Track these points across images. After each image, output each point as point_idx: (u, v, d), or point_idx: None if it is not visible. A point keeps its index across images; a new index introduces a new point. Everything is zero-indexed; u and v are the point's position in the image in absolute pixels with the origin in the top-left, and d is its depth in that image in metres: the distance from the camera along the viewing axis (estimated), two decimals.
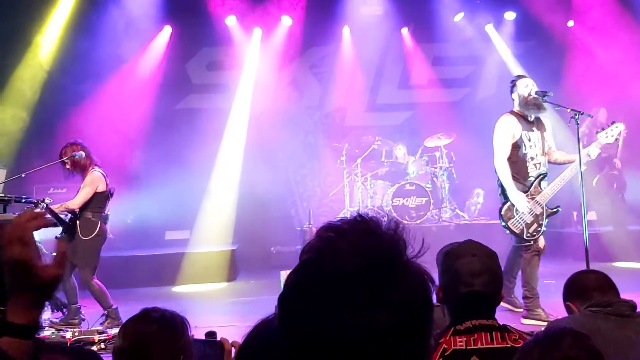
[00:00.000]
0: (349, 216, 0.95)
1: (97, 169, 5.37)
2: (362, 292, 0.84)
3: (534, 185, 4.93)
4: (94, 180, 5.28)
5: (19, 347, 1.09)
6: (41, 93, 8.38)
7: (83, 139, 5.55)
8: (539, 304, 4.88)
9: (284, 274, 6.51)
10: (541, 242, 4.97)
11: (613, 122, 4.88)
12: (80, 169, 5.32)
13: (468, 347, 1.82)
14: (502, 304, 5.07)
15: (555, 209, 4.97)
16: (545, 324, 4.54)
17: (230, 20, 9.52)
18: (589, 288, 2.30)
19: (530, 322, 4.76)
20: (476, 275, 1.91)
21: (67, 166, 5.32)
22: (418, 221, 8.36)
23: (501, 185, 5.00)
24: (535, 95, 4.94)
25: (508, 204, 4.91)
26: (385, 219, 0.94)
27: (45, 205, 4.87)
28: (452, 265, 1.94)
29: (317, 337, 0.85)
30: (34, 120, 8.26)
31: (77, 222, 5.22)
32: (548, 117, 5.17)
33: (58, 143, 5.58)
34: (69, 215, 5.25)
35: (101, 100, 8.59)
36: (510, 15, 9.88)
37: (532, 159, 4.95)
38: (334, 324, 0.83)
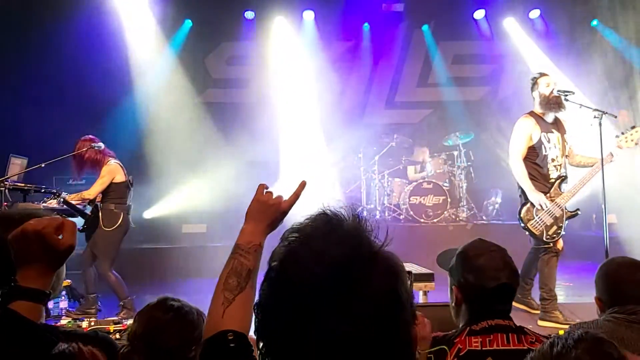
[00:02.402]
0: (314, 213, 0.95)
1: (113, 160, 5.42)
2: (326, 300, 0.83)
3: (554, 187, 4.88)
4: (111, 171, 5.32)
5: (31, 310, 1.15)
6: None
7: (104, 131, 5.62)
8: (557, 306, 4.84)
9: None
10: (560, 243, 4.93)
11: (633, 127, 4.82)
12: (91, 163, 5.34)
13: (483, 348, 1.80)
14: (518, 305, 5.05)
15: (575, 212, 4.91)
16: (562, 326, 4.50)
17: (250, 15, 9.53)
18: (625, 292, 2.11)
19: (547, 324, 4.72)
20: (500, 269, 1.92)
21: (79, 160, 5.34)
22: (435, 220, 8.31)
23: (521, 187, 4.96)
24: (557, 94, 4.88)
25: (528, 205, 4.88)
26: (348, 214, 0.93)
27: (62, 200, 4.93)
28: (475, 264, 1.94)
29: (288, 344, 0.85)
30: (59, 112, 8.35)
31: (100, 213, 5.27)
32: (568, 118, 5.11)
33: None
34: (89, 206, 5.30)
35: (123, 93, 8.66)
36: (533, 14, 9.75)
37: (552, 160, 4.90)
38: (303, 331, 0.83)
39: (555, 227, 4.84)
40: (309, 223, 0.93)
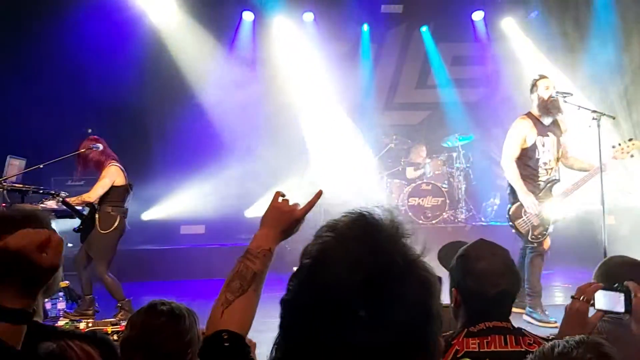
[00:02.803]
0: (351, 213, 0.93)
1: (114, 162, 5.42)
2: (356, 308, 0.82)
3: (544, 189, 4.93)
4: (111, 174, 5.32)
5: (12, 333, 1.07)
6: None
7: (103, 131, 5.63)
8: (540, 303, 4.93)
9: None
10: (546, 243, 5.02)
11: (630, 139, 4.86)
12: (95, 163, 5.36)
13: (481, 350, 1.79)
14: (516, 310, 5.10)
15: (561, 218, 4.98)
16: (540, 324, 4.66)
17: (249, 16, 9.53)
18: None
19: (528, 319, 4.82)
20: (502, 275, 1.90)
21: (83, 160, 5.36)
22: (434, 221, 8.31)
23: (511, 185, 5.01)
24: (554, 97, 4.90)
25: (517, 204, 4.95)
26: (386, 218, 0.91)
27: (61, 199, 4.92)
28: (475, 268, 1.91)
29: (312, 345, 0.84)
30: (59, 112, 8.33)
31: (97, 215, 5.26)
32: (566, 118, 5.13)
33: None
34: (86, 207, 5.30)
35: (122, 94, 8.65)
36: (533, 15, 9.74)
37: (544, 164, 4.97)
38: (328, 335, 0.82)
39: (541, 229, 4.91)
40: (346, 223, 0.91)
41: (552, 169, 4.98)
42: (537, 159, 4.93)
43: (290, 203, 1.53)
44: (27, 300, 1.11)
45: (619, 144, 4.80)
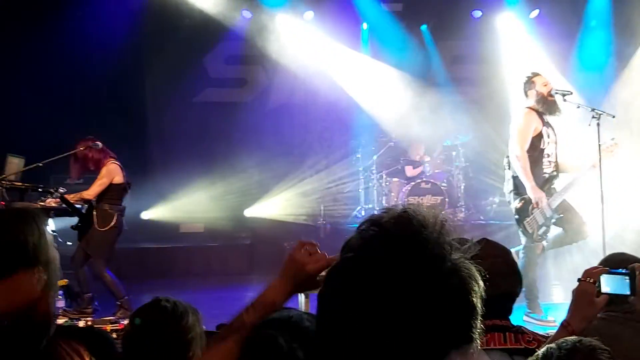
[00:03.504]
0: (393, 209, 0.91)
1: (113, 160, 5.43)
2: (398, 305, 0.81)
3: (547, 186, 4.90)
4: (111, 172, 5.33)
5: None
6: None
7: (104, 129, 5.64)
8: (538, 305, 4.91)
9: None
10: (539, 247, 4.99)
11: (612, 139, 4.85)
12: (94, 162, 5.36)
13: (481, 348, 1.79)
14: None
15: (561, 215, 4.94)
16: (539, 323, 4.61)
17: (248, 14, 9.52)
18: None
19: (528, 320, 4.78)
20: (503, 276, 1.89)
21: (82, 159, 5.35)
22: None
23: (513, 180, 4.93)
24: (553, 95, 4.90)
25: (524, 201, 4.84)
26: (430, 216, 0.89)
27: (59, 195, 4.92)
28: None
29: (349, 340, 0.83)
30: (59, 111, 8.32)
31: (94, 212, 5.26)
32: (556, 121, 5.14)
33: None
34: (84, 205, 5.30)
35: (123, 92, 8.65)
36: (533, 13, 9.73)
37: (548, 155, 4.94)
38: (367, 332, 0.82)
39: (544, 228, 4.87)
40: (391, 218, 0.89)
41: (553, 162, 4.95)
42: (542, 149, 4.88)
43: (312, 255, 1.39)
44: None
45: (604, 142, 4.81)
